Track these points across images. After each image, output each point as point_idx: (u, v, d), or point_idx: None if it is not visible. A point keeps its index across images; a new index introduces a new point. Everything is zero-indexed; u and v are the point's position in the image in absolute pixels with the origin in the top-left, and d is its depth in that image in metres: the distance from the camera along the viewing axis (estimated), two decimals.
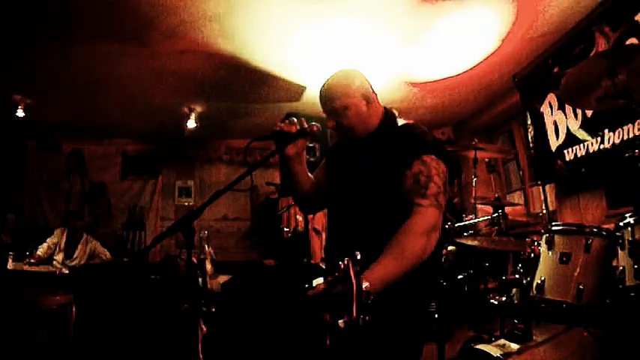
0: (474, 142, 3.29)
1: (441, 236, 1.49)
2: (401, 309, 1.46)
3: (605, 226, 2.18)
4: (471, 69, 4.48)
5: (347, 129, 1.61)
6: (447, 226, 3.10)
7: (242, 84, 4.79)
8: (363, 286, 1.19)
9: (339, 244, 1.33)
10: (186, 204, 6.91)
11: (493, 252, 2.86)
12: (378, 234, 1.40)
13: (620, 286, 1.93)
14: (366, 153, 1.60)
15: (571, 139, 3.83)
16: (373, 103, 1.63)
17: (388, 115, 1.67)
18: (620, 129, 3.26)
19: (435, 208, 1.45)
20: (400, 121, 1.65)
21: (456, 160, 1.62)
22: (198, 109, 5.55)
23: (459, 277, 2.90)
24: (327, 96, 1.62)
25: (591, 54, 3.49)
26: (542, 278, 2.14)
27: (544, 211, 3.68)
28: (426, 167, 1.47)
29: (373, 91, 1.67)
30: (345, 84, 1.61)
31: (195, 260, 3.42)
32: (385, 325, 1.41)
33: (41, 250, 4.90)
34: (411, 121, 1.65)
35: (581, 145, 3.70)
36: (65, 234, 5.13)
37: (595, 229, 2.12)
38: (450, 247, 3.11)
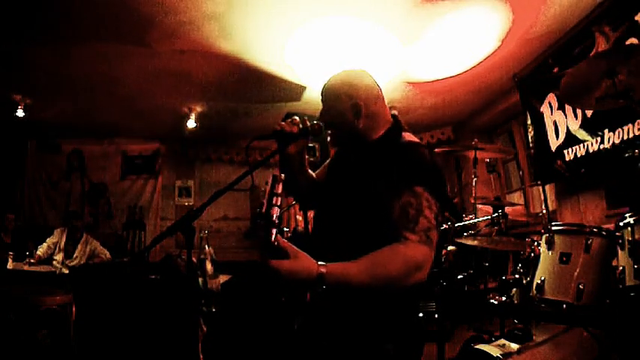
0: (473, 142, 3.29)
1: (421, 285, 1.32)
2: (362, 334, 1.38)
3: (605, 226, 2.18)
4: (470, 69, 4.49)
5: (330, 133, 1.59)
6: (446, 226, 3.10)
7: (242, 84, 4.79)
8: (320, 270, 1.21)
9: (318, 252, 1.29)
10: (186, 204, 6.92)
11: (493, 252, 2.86)
12: (356, 249, 1.30)
13: (620, 286, 1.93)
14: (360, 165, 1.52)
15: (571, 139, 3.83)
16: (365, 116, 1.51)
17: (394, 128, 1.56)
18: (620, 129, 3.26)
19: (425, 245, 1.29)
20: (406, 137, 1.52)
21: (446, 193, 1.48)
22: (198, 109, 5.56)
23: (459, 277, 2.89)
24: (321, 92, 1.61)
25: (591, 54, 3.49)
26: (542, 278, 2.14)
27: (544, 211, 3.67)
28: (416, 199, 1.32)
29: (373, 102, 1.54)
30: (339, 87, 1.55)
31: (195, 260, 3.42)
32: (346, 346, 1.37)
33: (41, 250, 4.91)
34: (415, 140, 1.52)
35: (581, 145, 3.70)
36: (65, 234, 5.13)
37: (595, 229, 2.12)
38: (450, 247, 3.11)
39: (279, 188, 1.20)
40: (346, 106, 1.51)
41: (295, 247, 1.25)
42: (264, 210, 1.19)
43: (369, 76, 1.59)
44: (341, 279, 1.23)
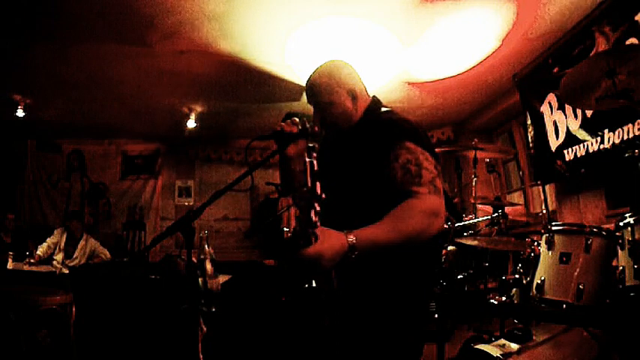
0: (473, 142, 3.29)
1: (442, 233, 1.40)
2: (395, 305, 1.42)
3: (605, 226, 2.18)
4: (471, 69, 4.48)
5: (331, 124, 1.62)
6: (446, 226, 3.09)
7: (242, 84, 4.79)
8: (349, 240, 1.23)
9: None
10: (186, 204, 6.92)
11: (493, 252, 2.86)
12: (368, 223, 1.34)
13: (620, 286, 1.93)
14: (350, 145, 1.58)
15: (571, 139, 3.83)
16: (359, 99, 1.61)
17: (372, 105, 1.66)
18: (620, 129, 3.26)
19: (435, 194, 1.38)
20: (384, 109, 1.63)
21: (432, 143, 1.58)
22: (198, 109, 5.56)
23: (459, 277, 2.89)
24: (311, 90, 1.64)
25: (591, 54, 3.48)
26: (542, 278, 2.14)
27: (544, 211, 3.68)
28: (412, 155, 1.41)
29: (361, 84, 1.65)
30: (329, 80, 1.61)
31: (195, 260, 3.42)
32: (379, 323, 1.39)
33: (41, 250, 4.90)
34: (392, 108, 1.63)
35: (581, 145, 3.70)
36: (65, 234, 5.13)
37: (595, 229, 2.12)
38: (450, 247, 3.10)
39: (315, 163, 1.17)
40: (343, 96, 1.59)
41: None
42: (309, 184, 1.13)
43: (344, 62, 1.68)
44: (370, 241, 1.27)
